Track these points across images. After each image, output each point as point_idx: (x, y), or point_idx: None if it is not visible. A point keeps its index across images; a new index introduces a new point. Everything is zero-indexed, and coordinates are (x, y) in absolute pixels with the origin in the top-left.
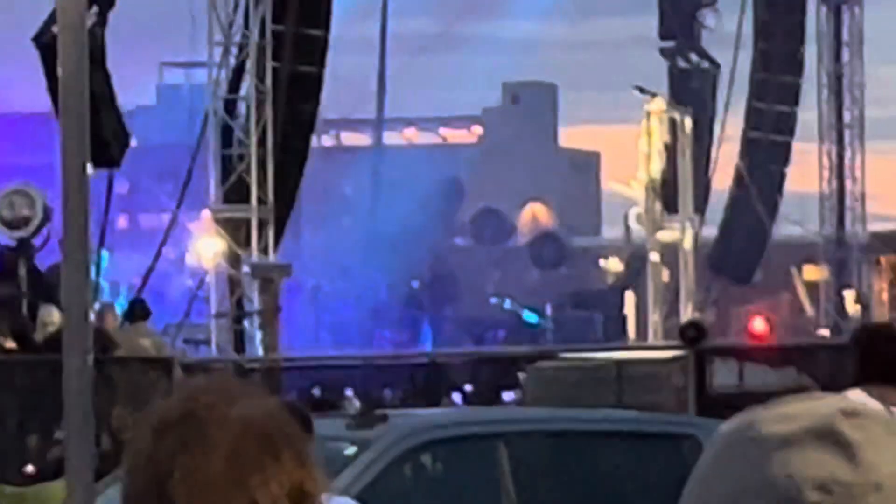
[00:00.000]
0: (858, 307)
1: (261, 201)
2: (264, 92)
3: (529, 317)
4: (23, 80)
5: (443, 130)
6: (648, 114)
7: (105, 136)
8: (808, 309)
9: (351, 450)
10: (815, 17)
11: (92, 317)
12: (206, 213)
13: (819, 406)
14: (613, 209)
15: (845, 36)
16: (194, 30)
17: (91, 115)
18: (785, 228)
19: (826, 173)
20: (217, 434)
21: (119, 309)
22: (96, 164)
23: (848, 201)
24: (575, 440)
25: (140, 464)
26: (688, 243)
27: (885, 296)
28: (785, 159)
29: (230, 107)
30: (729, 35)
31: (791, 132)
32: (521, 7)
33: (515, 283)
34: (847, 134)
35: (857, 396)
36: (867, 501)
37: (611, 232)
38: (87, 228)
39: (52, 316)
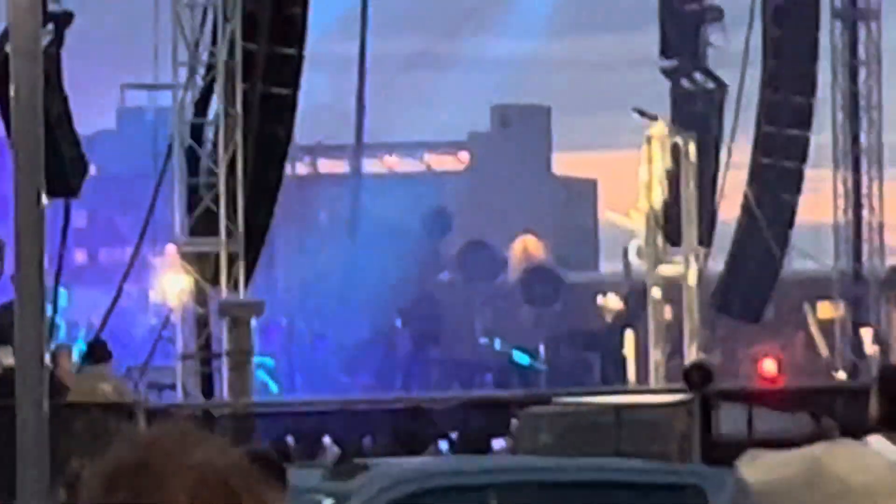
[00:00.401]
0: (877, 347)
1: (230, 234)
2: (234, 115)
3: (521, 358)
4: None
5: (427, 157)
6: (649, 138)
7: (62, 164)
8: (823, 349)
9: (328, 502)
10: (828, 34)
11: (47, 359)
12: (171, 247)
13: None
14: (612, 242)
15: (862, 54)
16: (158, 49)
17: (46, 141)
18: (797, 262)
19: (841, 202)
20: (173, 484)
21: (77, 351)
22: (52, 194)
23: (865, 233)
24: (571, 492)
25: None
26: (692, 278)
27: None
28: (797, 187)
29: (197, 132)
30: (736, 53)
31: (803, 158)
32: (512, 24)
33: (506, 321)
34: (864, 160)
35: (878, 443)
36: None
37: (609, 266)
38: (42, 263)
39: (4, 356)
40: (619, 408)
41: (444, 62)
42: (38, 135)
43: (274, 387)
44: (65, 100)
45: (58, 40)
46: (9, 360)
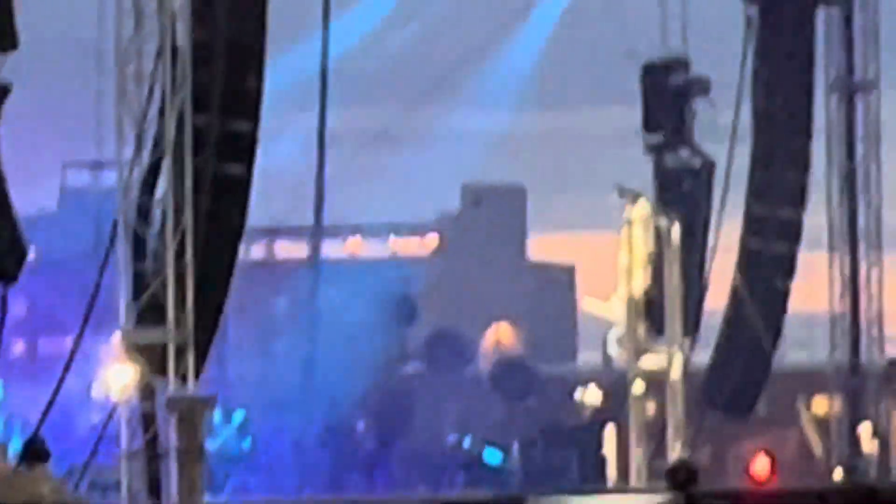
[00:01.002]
0: (876, 444)
1: (179, 322)
2: (183, 196)
3: (493, 456)
4: None
5: (392, 240)
6: (630, 220)
7: None
8: (818, 447)
9: None
10: (824, 107)
11: None
12: (115, 337)
13: None
14: (590, 331)
15: (859, 129)
16: (102, 124)
17: None
18: (790, 354)
19: (837, 289)
20: None
21: (12, 449)
22: None
23: (863, 322)
24: None
25: None
26: (676, 371)
27: None
28: (789, 272)
29: (144, 213)
30: (725, 127)
31: (796, 240)
32: (485, 96)
33: (476, 416)
34: (862, 243)
35: None
36: None
37: (587, 358)
38: None
39: None
40: None
41: (411, 137)
42: None
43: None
44: (2, 179)
45: None
46: None
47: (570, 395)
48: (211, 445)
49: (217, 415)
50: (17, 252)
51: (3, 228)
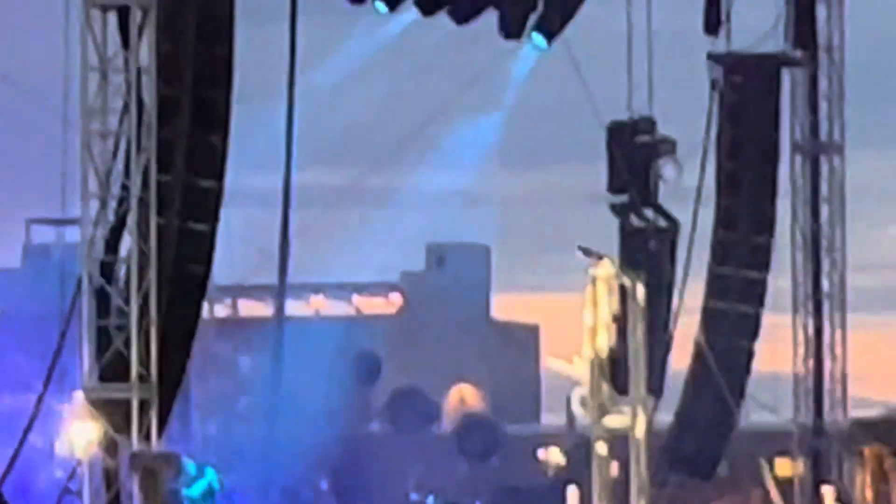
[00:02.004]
0: None
1: (142, 379)
2: (147, 253)
3: None
4: None
5: (356, 299)
6: (594, 279)
7: None
8: None
9: None
10: (788, 169)
11: None
12: (78, 394)
13: None
14: (554, 392)
15: (824, 191)
16: (66, 180)
17: None
18: (754, 415)
19: (801, 350)
20: None
21: None
22: None
23: (827, 383)
24: None
25: None
26: (640, 431)
27: (868, 493)
28: (753, 333)
29: (107, 270)
30: (689, 189)
31: (761, 302)
32: (448, 156)
33: (440, 476)
34: (826, 305)
35: None
36: None
37: (551, 418)
38: None
39: None
40: None
41: (375, 197)
42: None
43: None
44: None
45: None
46: None
47: (534, 454)
48: (192, 493)
49: (191, 466)
50: None
51: None
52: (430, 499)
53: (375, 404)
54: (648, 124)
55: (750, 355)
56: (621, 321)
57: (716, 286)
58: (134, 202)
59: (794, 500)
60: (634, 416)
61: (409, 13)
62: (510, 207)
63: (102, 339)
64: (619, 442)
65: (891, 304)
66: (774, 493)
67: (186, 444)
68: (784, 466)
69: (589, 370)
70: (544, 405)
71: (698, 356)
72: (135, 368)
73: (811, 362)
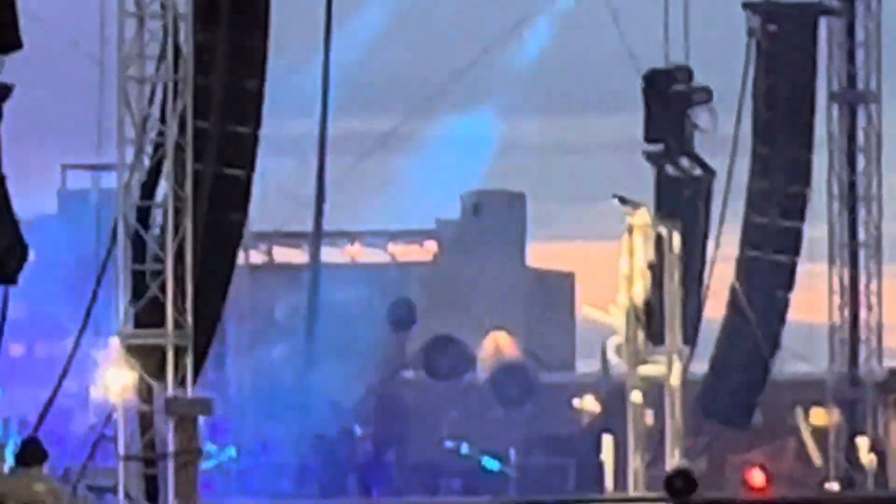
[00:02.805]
0: (873, 457)
1: (178, 325)
2: (183, 198)
3: (490, 463)
4: None
5: (392, 246)
6: (630, 228)
7: None
8: (816, 458)
9: None
10: (825, 118)
11: None
12: (114, 340)
13: None
14: (589, 339)
15: (860, 140)
16: (103, 126)
17: None
18: (789, 364)
19: (837, 300)
20: None
21: (9, 451)
22: None
23: (862, 333)
24: None
25: None
26: (675, 379)
27: None
28: (789, 283)
29: (144, 216)
30: (725, 138)
31: (796, 251)
32: (485, 103)
33: (474, 423)
34: (862, 254)
35: None
36: None
37: (586, 366)
38: None
39: None
40: None
41: (411, 145)
42: None
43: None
44: (2, 180)
45: None
46: None
47: (569, 402)
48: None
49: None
50: (18, 254)
51: (3, 230)
52: (465, 446)
53: (410, 351)
54: (685, 73)
55: (785, 304)
56: (657, 270)
57: (751, 235)
58: (170, 148)
59: (829, 449)
60: (669, 364)
61: None
62: (546, 156)
63: (138, 284)
64: (654, 390)
65: None
66: (809, 443)
67: (221, 391)
68: (819, 416)
69: (624, 318)
70: (579, 353)
71: (733, 305)
72: (170, 314)
73: (846, 312)
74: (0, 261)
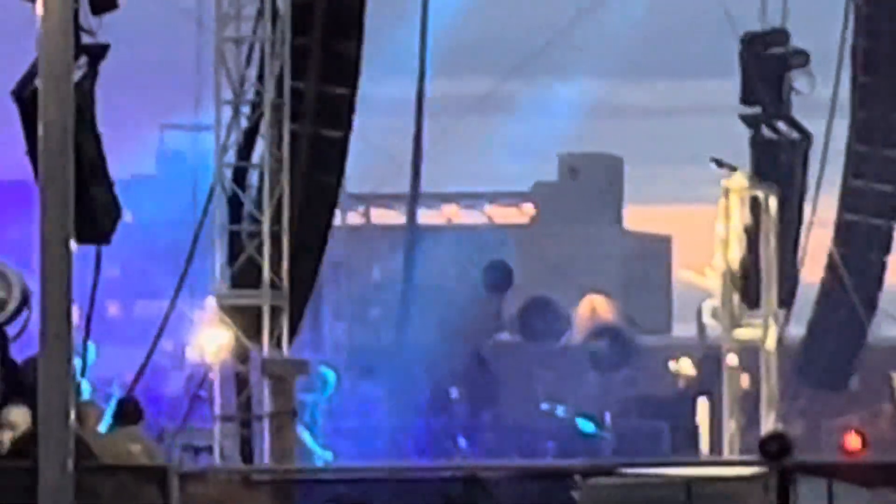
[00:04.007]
0: None
1: (274, 286)
2: (280, 159)
3: (585, 425)
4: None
5: (488, 208)
6: (727, 191)
7: (93, 208)
8: None
9: None
10: None
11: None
12: (210, 300)
13: None
14: (686, 302)
15: None
16: (200, 87)
17: (77, 183)
18: (886, 328)
19: None
20: None
21: (106, 410)
22: (82, 240)
23: None
24: None
25: None
26: (771, 343)
27: None
28: (886, 246)
29: (240, 176)
30: (823, 101)
31: (894, 215)
32: (582, 66)
33: (570, 386)
34: None
35: None
36: None
37: (682, 329)
38: (69, 315)
39: (15, 417)
40: (689, 481)
41: (508, 106)
42: (67, 175)
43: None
44: (98, 139)
45: (91, 75)
46: (15, 420)
47: (665, 365)
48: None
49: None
50: (112, 213)
51: (97, 189)
52: (561, 408)
53: (506, 314)
54: (782, 36)
55: (883, 268)
56: (753, 233)
57: (849, 199)
58: (267, 109)
59: None
60: (766, 327)
61: None
62: (643, 119)
63: (234, 245)
64: (750, 354)
65: None
66: None
67: (318, 352)
68: None
69: (721, 282)
70: (676, 316)
71: (831, 269)
72: (266, 275)
73: None
74: (94, 220)
